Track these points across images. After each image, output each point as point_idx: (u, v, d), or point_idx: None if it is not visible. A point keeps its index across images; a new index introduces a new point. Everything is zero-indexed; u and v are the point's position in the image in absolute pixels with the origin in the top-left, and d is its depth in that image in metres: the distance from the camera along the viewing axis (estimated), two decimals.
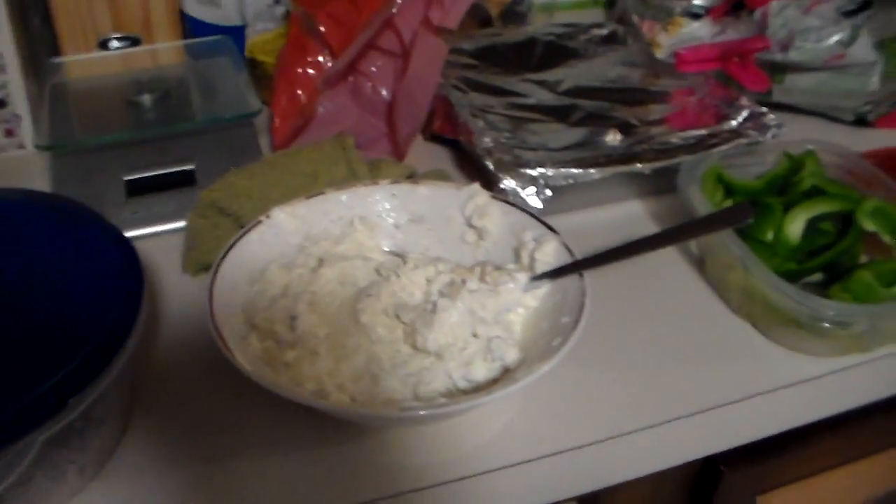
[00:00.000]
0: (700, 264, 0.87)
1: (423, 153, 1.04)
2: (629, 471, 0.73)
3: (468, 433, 0.69)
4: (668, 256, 0.89)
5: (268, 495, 0.63)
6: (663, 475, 0.75)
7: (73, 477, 0.61)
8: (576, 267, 0.70)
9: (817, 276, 0.85)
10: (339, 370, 0.68)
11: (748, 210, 0.66)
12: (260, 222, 0.74)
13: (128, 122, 0.99)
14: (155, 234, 0.89)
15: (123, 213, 0.88)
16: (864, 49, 1.06)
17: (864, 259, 0.86)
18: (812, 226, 0.85)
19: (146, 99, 0.99)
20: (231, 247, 0.71)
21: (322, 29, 0.93)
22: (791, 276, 0.78)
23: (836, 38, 1.06)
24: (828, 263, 0.83)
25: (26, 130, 0.99)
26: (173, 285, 0.82)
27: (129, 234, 0.84)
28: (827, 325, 0.73)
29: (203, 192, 0.84)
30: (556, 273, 0.72)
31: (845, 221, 0.86)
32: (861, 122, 1.14)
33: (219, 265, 0.69)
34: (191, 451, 0.66)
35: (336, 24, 0.93)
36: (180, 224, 0.87)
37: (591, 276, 0.69)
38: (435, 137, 1.06)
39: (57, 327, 0.58)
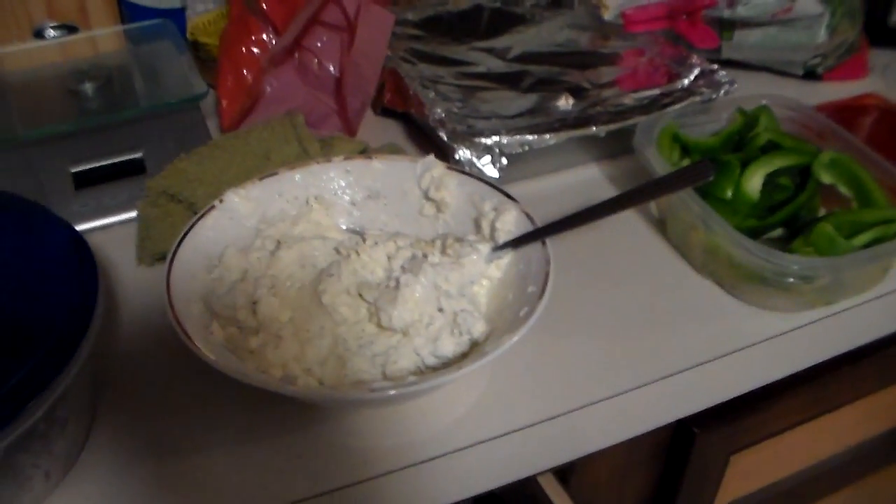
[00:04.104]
0: (661, 226, 0.87)
1: (375, 128, 1.03)
2: (604, 439, 0.72)
3: (439, 411, 0.68)
4: (628, 219, 0.88)
5: (238, 485, 0.62)
6: (637, 440, 0.75)
7: (39, 482, 0.59)
8: (538, 234, 0.70)
9: (778, 232, 0.85)
10: (305, 354, 0.67)
11: (709, 167, 0.65)
12: (214, 207, 0.73)
13: (70, 113, 0.96)
14: (106, 226, 0.87)
15: (73, 206, 0.86)
16: (810, 2, 1.07)
17: (822, 212, 0.86)
18: (770, 181, 0.85)
19: (88, 87, 0.96)
20: (186, 234, 0.69)
21: (264, 6, 0.91)
22: (752, 233, 0.78)
23: None
24: (788, 218, 0.83)
25: None
26: (129, 278, 0.80)
27: (79, 227, 0.82)
28: (792, 279, 0.73)
29: (151, 179, 0.82)
30: (518, 242, 0.71)
31: (803, 175, 0.86)
32: (810, 75, 1.16)
33: (174, 254, 0.67)
34: (159, 445, 0.65)
35: (278, 1, 0.91)
36: (131, 215, 0.86)
37: (552, 244, 0.69)
38: (386, 111, 1.04)
39: (12, 329, 0.56)
